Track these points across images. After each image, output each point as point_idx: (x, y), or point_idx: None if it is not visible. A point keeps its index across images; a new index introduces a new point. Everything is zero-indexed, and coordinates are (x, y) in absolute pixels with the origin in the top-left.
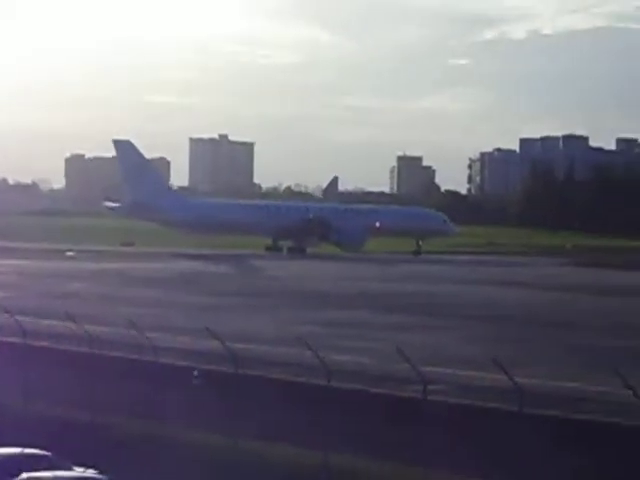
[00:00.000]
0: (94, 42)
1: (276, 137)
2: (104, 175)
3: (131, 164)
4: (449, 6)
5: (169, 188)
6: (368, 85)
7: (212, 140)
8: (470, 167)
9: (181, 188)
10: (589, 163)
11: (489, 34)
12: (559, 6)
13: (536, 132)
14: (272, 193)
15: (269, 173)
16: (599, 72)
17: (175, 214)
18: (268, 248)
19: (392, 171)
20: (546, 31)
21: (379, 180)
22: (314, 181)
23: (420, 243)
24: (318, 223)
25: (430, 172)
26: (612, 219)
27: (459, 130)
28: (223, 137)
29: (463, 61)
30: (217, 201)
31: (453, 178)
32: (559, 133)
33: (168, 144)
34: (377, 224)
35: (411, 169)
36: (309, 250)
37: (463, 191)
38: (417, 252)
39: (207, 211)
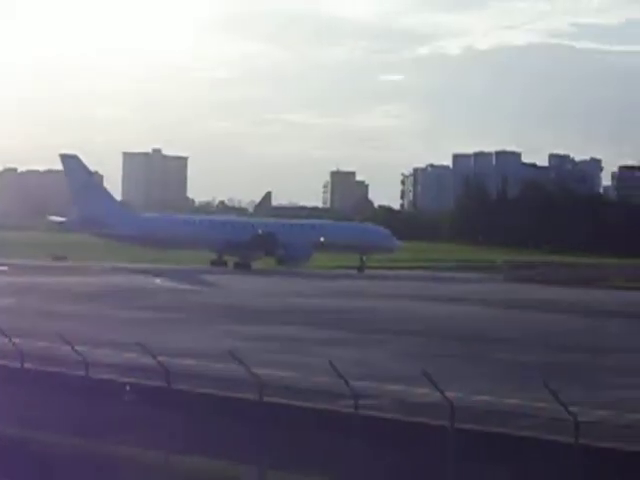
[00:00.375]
0: (28, 55)
1: (209, 152)
2: (36, 189)
3: (79, 179)
4: (383, 22)
5: (118, 203)
6: (302, 101)
7: (145, 154)
8: (403, 182)
9: None
10: (522, 179)
11: (423, 50)
12: (494, 22)
13: (469, 148)
14: (206, 207)
15: (203, 188)
16: (532, 88)
17: (124, 229)
18: (213, 263)
19: (325, 186)
20: (480, 47)
21: (312, 195)
22: (247, 196)
23: (364, 259)
24: (266, 238)
25: (363, 187)
26: (545, 235)
27: (392, 146)
28: (156, 151)
29: (397, 77)
30: (165, 216)
31: (386, 193)
32: (492, 149)
33: (101, 158)
34: (321, 239)
35: (344, 184)
36: (254, 265)
37: (396, 206)
38: (361, 268)
39: (155, 226)
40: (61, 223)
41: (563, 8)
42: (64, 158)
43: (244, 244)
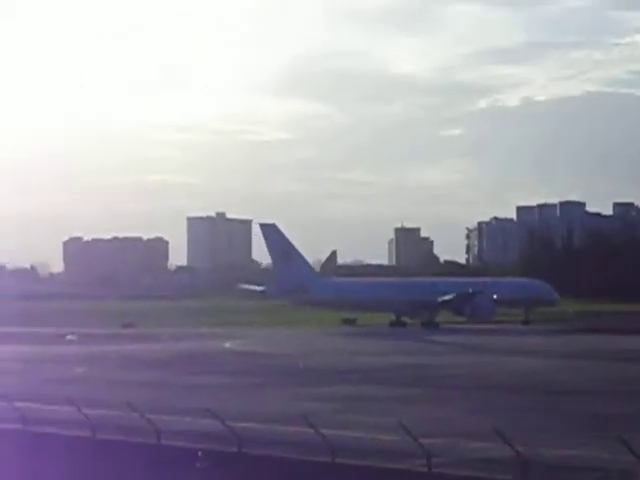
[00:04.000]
0: (90, 123)
1: (272, 213)
2: (102, 257)
3: (277, 246)
4: (441, 77)
5: (312, 269)
6: (362, 159)
7: (209, 218)
8: (468, 237)
9: (179, 267)
10: (587, 228)
11: (482, 103)
12: (552, 73)
13: (533, 200)
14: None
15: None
16: (593, 137)
17: (322, 294)
18: (392, 324)
19: (390, 243)
20: (539, 98)
21: (377, 253)
22: (312, 255)
23: (528, 313)
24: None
25: (428, 243)
26: (612, 284)
27: (455, 200)
28: (220, 215)
29: (457, 131)
30: (357, 280)
31: (451, 248)
32: (555, 200)
33: (165, 223)
34: (494, 296)
35: (409, 240)
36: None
37: (462, 261)
38: (526, 321)
39: (350, 290)
40: (262, 292)
41: (619, 57)
42: (263, 227)
43: (439, 304)
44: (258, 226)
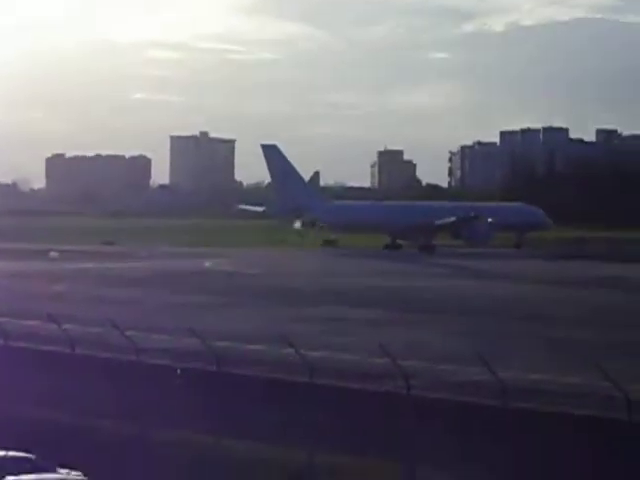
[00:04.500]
0: (71, 42)
1: (256, 134)
2: (85, 174)
3: (279, 168)
4: (429, 0)
5: (312, 190)
6: (347, 81)
7: (193, 137)
8: (451, 160)
9: (162, 186)
10: (570, 155)
11: (468, 27)
12: None
13: (516, 125)
14: (254, 190)
15: (250, 170)
16: (578, 64)
17: (324, 216)
18: (387, 246)
19: (373, 166)
20: (526, 23)
21: (360, 175)
22: None
23: (521, 237)
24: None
25: (411, 166)
26: (595, 211)
27: (439, 124)
28: (204, 134)
29: (442, 55)
30: (356, 203)
31: (434, 172)
32: (539, 125)
33: (148, 142)
34: (489, 220)
35: (392, 164)
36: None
37: (444, 184)
38: (518, 245)
39: (352, 213)
40: (263, 212)
41: None
42: (265, 148)
43: (442, 227)
44: (260, 147)
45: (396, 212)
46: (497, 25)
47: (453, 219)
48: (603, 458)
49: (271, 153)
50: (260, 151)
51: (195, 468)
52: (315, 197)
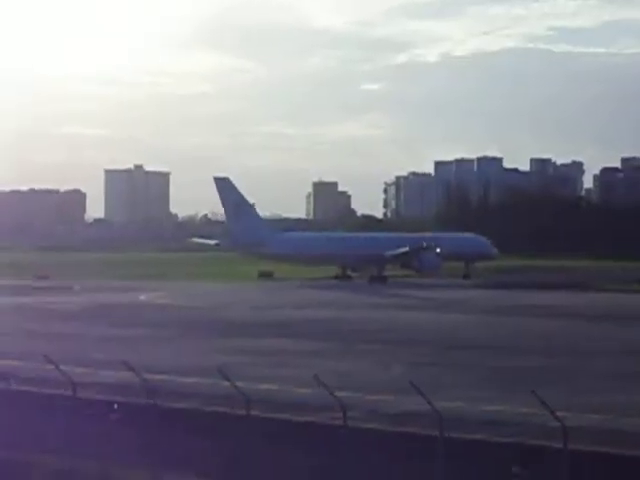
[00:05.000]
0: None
1: (190, 167)
2: (18, 209)
3: (231, 200)
4: (360, 31)
5: (266, 223)
6: (280, 113)
7: (127, 171)
8: (386, 191)
9: (96, 220)
10: (504, 184)
11: (401, 58)
12: (470, 29)
13: (451, 155)
14: (189, 222)
15: (185, 202)
16: (511, 93)
17: (279, 248)
18: (337, 277)
19: (308, 197)
20: (458, 53)
21: (295, 206)
22: None
23: (469, 267)
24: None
25: (346, 197)
26: (528, 239)
27: (374, 155)
28: (138, 167)
29: (376, 86)
30: (313, 235)
31: (369, 203)
32: (473, 155)
33: (82, 176)
34: (437, 250)
35: (327, 195)
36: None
37: (379, 215)
38: (467, 276)
39: (307, 245)
40: (216, 245)
41: (539, 13)
42: (217, 181)
43: (391, 257)
44: (213, 180)
45: (348, 243)
46: (430, 56)
47: (406, 249)
48: None
49: (223, 185)
50: (195, 183)
51: None
52: (270, 230)
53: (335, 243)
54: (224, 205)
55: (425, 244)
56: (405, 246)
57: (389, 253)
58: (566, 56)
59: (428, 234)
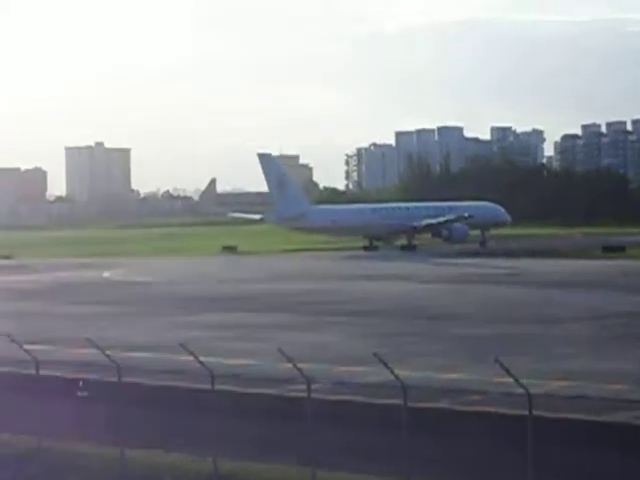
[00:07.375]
0: None
1: (151, 143)
2: None
3: (273, 176)
4: (320, 2)
5: (305, 197)
6: (240, 86)
7: (88, 148)
8: (347, 163)
9: (58, 198)
10: (465, 153)
11: (361, 29)
12: None
13: (411, 125)
14: (151, 198)
15: (146, 179)
16: (471, 62)
17: (316, 221)
18: (365, 248)
19: None
20: (418, 24)
21: (256, 181)
22: (192, 184)
23: (485, 234)
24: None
25: (307, 170)
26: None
27: (335, 127)
28: (99, 145)
29: (335, 58)
30: (345, 207)
31: (331, 175)
32: (434, 125)
33: (43, 154)
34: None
35: (288, 168)
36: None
37: (341, 187)
38: (482, 243)
39: (342, 217)
40: (260, 219)
41: None
42: (260, 156)
43: (425, 227)
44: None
45: (381, 213)
46: (390, 26)
47: (444, 218)
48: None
49: (266, 161)
50: (156, 160)
51: None
52: (309, 204)
53: (368, 214)
54: (267, 180)
55: (467, 214)
56: (435, 216)
57: (426, 221)
58: (526, 24)
59: (454, 204)
